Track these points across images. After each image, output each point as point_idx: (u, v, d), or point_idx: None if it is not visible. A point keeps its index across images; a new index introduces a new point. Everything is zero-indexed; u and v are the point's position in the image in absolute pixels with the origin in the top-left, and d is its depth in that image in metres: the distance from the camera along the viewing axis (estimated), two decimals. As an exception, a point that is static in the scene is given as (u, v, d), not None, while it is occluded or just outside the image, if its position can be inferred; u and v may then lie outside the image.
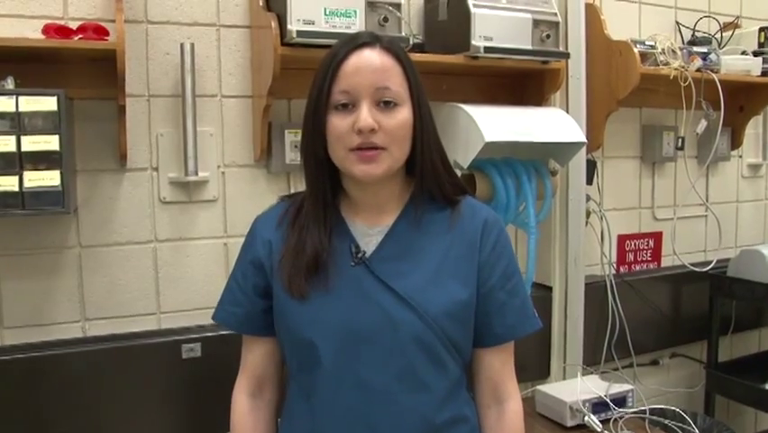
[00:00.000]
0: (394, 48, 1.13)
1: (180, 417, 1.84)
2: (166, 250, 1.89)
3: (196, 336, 1.85)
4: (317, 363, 1.14)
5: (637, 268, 2.61)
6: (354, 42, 1.13)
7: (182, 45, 1.82)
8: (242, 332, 1.28)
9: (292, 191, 1.95)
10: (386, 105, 1.11)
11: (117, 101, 1.70)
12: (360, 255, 1.16)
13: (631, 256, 2.59)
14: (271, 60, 1.75)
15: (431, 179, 1.18)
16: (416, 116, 1.13)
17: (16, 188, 1.56)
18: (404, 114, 1.12)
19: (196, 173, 1.84)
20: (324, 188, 1.19)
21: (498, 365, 1.22)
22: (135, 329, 1.86)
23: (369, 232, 1.18)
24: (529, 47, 1.98)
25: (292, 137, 1.92)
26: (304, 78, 1.86)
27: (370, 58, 1.11)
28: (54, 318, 1.80)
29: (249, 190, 1.95)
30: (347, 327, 1.13)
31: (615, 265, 2.51)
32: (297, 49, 1.73)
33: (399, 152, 1.13)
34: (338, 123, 1.11)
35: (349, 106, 1.11)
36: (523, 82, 2.21)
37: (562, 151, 2.05)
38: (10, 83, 1.58)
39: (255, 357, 1.28)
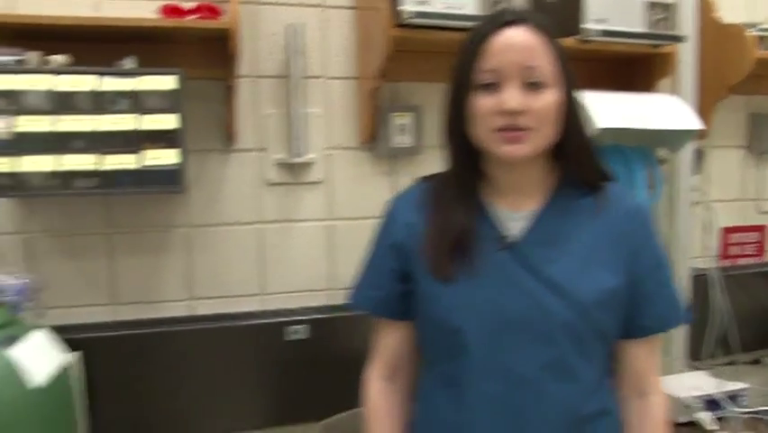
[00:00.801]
0: (542, 27, 1.09)
1: (282, 398, 1.85)
2: (271, 231, 1.89)
3: (301, 318, 1.85)
4: (463, 350, 1.10)
5: (741, 262, 2.50)
6: (500, 20, 1.09)
7: (291, 26, 1.81)
8: (379, 315, 1.25)
9: (397, 176, 1.93)
10: (533, 85, 1.06)
11: (226, 81, 1.71)
12: (506, 240, 1.12)
13: (735, 250, 2.49)
14: (381, 42, 1.72)
15: (578, 163, 1.13)
16: (565, 99, 1.09)
17: (135, 167, 1.58)
18: (551, 95, 1.07)
19: (303, 155, 1.83)
20: (467, 169, 1.15)
21: (644, 358, 1.18)
22: (239, 309, 1.87)
23: (512, 216, 1.14)
24: (644, 30, 1.90)
25: (398, 120, 1.89)
26: (414, 60, 1.86)
27: (517, 36, 1.07)
28: (163, 296, 1.82)
29: (354, 173, 1.93)
30: (496, 314, 1.09)
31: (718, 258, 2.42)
32: (410, 30, 1.70)
33: (545, 135, 1.08)
34: (482, 103, 1.07)
35: (494, 86, 1.07)
36: (630, 67, 2.13)
37: (673, 138, 1.97)
38: (130, 63, 1.60)
39: (390, 342, 1.25)
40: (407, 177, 1.96)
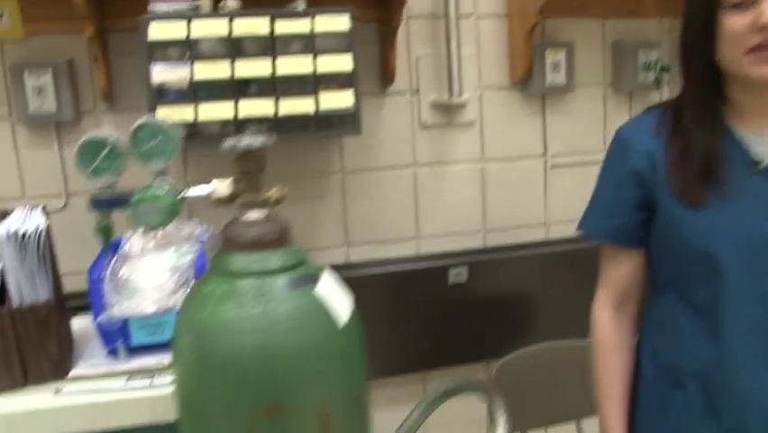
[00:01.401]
0: None
1: (446, 341, 1.85)
2: (425, 174, 1.87)
3: (459, 261, 1.84)
4: (718, 277, 1.09)
5: None
6: None
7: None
8: (615, 243, 1.23)
9: (548, 115, 1.90)
10: None
11: (390, 23, 1.67)
12: (760, 164, 1.09)
13: None
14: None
15: None
16: None
17: (312, 111, 1.56)
18: None
19: (458, 96, 1.80)
20: (711, 91, 1.11)
21: None
22: (394, 254, 1.86)
23: (759, 141, 1.10)
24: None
25: (552, 58, 1.85)
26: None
27: None
28: (321, 243, 1.82)
29: (505, 114, 1.90)
30: (753, 239, 1.07)
31: None
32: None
33: None
34: (734, 21, 1.03)
35: (745, 4, 1.02)
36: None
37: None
38: (302, 4, 1.56)
39: (622, 270, 1.24)
40: (559, 116, 1.92)
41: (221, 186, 0.90)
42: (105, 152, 0.86)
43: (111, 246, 1.50)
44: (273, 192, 0.91)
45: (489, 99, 1.88)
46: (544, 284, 1.85)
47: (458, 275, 1.83)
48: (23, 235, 1.28)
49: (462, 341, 1.85)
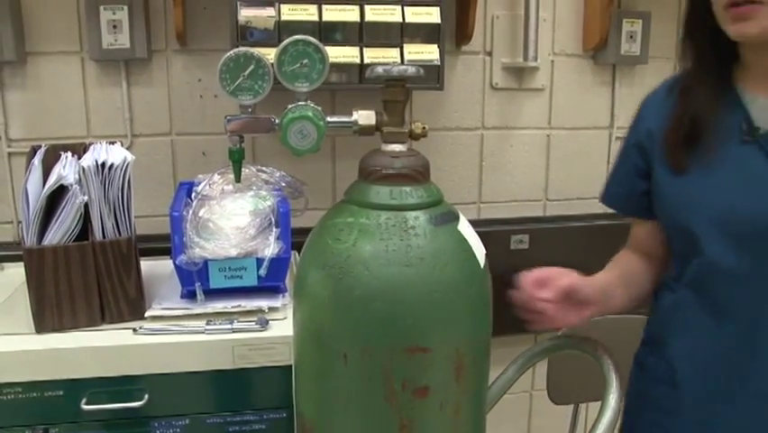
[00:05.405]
0: None
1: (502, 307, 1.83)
2: (491, 138, 1.84)
3: (524, 227, 1.81)
4: (698, 254, 1.00)
5: None
6: None
7: None
8: (624, 213, 1.19)
9: (618, 86, 1.87)
10: None
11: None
12: (754, 131, 0.98)
13: None
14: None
15: None
16: None
17: (395, 61, 1.52)
18: None
19: (531, 60, 1.77)
20: (707, 48, 1.03)
21: None
22: (455, 217, 1.83)
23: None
24: None
25: (628, 27, 1.82)
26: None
27: None
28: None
29: (575, 81, 1.87)
30: (729, 215, 0.97)
31: None
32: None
33: None
34: None
35: None
36: None
37: None
38: (392, -49, 1.52)
39: (639, 234, 1.19)
40: (628, 88, 1.89)
41: (365, 115, 0.87)
42: (250, 69, 0.82)
43: (185, 187, 1.47)
44: (416, 126, 0.87)
45: (560, 66, 1.85)
46: (606, 258, 1.82)
47: (520, 242, 1.80)
48: (110, 167, 1.24)
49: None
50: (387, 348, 0.82)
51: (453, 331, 0.85)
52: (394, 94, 0.86)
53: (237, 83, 0.84)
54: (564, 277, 1.04)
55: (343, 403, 0.86)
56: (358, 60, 1.49)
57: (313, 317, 0.87)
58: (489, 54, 1.79)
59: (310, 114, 0.85)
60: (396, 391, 0.82)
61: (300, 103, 0.87)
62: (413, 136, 0.87)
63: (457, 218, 0.88)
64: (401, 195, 0.86)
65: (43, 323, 1.22)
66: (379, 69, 0.84)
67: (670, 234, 1.10)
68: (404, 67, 0.83)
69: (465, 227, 0.89)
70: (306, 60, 0.84)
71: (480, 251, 0.88)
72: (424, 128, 0.87)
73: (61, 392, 1.18)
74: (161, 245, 1.47)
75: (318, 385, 0.88)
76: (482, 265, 0.88)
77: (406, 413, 0.84)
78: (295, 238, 1.31)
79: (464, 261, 0.86)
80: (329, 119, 0.89)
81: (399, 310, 0.82)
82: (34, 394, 1.17)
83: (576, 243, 1.84)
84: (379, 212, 0.85)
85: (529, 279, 1.04)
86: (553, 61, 1.84)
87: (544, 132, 1.87)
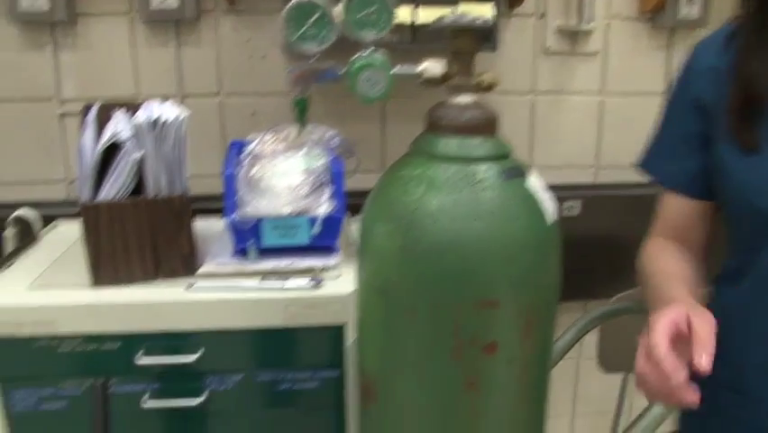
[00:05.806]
0: None
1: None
2: (543, 103, 1.80)
3: (575, 194, 1.78)
4: (765, 239, 0.89)
5: None
6: None
7: None
8: (665, 186, 1.04)
9: (674, 51, 1.81)
10: None
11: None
12: None
13: None
14: None
15: None
16: None
17: (449, 21, 1.49)
18: None
19: (586, 22, 1.72)
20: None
21: None
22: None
23: None
24: None
25: (689, -13, 1.75)
26: None
27: None
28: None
29: (630, 46, 1.81)
30: None
31: None
32: None
33: None
34: None
35: None
36: None
37: None
38: None
39: (681, 215, 1.03)
40: (686, 53, 1.83)
41: (433, 65, 0.85)
42: (316, 16, 0.80)
43: (236, 146, 1.46)
44: (486, 77, 0.85)
45: (615, 29, 1.80)
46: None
47: (570, 208, 1.77)
48: (164, 124, 1.23)
49: (566, 277, 1.80)
50: (455, 303, 0.81)
51: (523, 287, 0.83)
52: (463, 44, 0.83)
53: (302, 31, 0.82)
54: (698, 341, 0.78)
55: (409, 360, 0.85)
56: (409, 19, 1.46)
57: (379, 270, 0.86)
58: (543, 16, 1.75)
59: (379, 62, 0.83)
60: (464, 346, 0.81)
61: (368, 53, 0.85)
62: (482, 87, 0.85)
63: (527, 172, 0.86)
64: (470, 147, 0.84)
65: (100, 277, 1.23)
66: (452, 18, 0.82)
67: (735, 219, 0.96)
68: (474, 17, 0.80)
69: (536, 182, 0.86)
70: (375, 6, 0.82)
71: (550, 207, 0.86)
72: (493, 80, 0.85)
73: (118, 345, 1.19)
74: (211, 206, 1.47)
75: (383, 341, 0.87)
76: (553, 222, 0.86)
77: (474, 370, 0.82)
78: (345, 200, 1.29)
79: (533, 215, 0.84)
80: (397, 69, 0.86)
81: (469, 265, 0.80)
82: (92, 347, 1.18)
83: (627, 210, 1.80)
84: (447, 164, 0.83)
85: (665, 353, 0.76)
86: (608, 24, 1.79)
87: (598, 97, 1.83)
